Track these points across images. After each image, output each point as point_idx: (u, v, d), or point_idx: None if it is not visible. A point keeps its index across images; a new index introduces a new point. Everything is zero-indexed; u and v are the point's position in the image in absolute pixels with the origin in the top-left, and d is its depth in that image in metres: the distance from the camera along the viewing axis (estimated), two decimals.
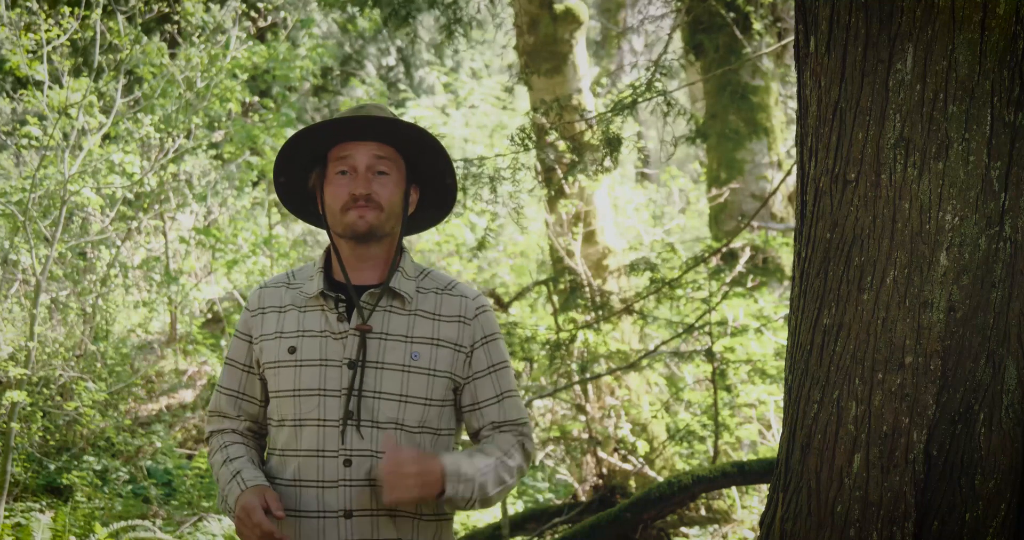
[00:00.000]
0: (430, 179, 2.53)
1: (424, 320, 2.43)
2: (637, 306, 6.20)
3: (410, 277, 2.47)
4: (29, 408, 6.27)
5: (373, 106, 2.48)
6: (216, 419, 2.55)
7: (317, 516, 2.35)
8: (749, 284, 7.01)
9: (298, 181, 2.53)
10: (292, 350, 2.40)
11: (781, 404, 3.56)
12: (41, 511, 6.22)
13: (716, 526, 5.97)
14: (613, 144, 5.33)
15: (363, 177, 2.40)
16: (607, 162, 5.48)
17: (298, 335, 2.42)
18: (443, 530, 2.46)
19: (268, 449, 2.51)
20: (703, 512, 6.09)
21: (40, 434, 6.49)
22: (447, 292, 2.49)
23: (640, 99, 5.21)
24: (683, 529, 5.98)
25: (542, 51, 7.27)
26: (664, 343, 6.45)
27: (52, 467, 6.85)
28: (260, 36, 10.16)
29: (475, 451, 2.42)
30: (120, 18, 6.91)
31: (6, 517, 5.93)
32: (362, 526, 2.34)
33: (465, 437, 2.71)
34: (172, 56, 8.07)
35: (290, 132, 8.80)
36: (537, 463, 7.68)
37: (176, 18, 7.90)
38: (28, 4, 6.58)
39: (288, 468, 2.39)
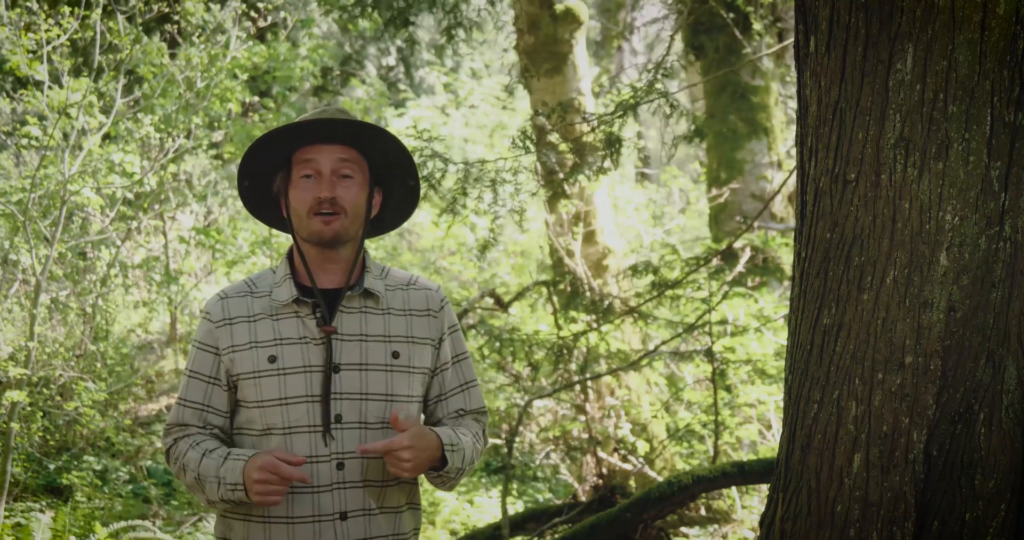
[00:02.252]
0: (394, 181, 2.54)
1: (397, 318, 2.47)
2: (636, 305, 6.19)
3: (377, 276, 2.50)
4: (29, 408, 6.27)
5: (336, 109, 2.49)
6: (177, 431, 2.47)
7: (313, 520, 2.36)
8: (749, 284, 7.01)
9: (262, 184, 2.52)
10: (272, 359, 2.38)
11: (781, 404, 3.56)
12: (41, 511, 6.21)
13: (716, 526, 5.97)
14: (614, 145, 5.33)
15: (328, 181, 2.40)
16: (607, 163, 5.48)
17: (276, 344, 2.40)
18: (418, 518, 2.52)
19: None
20: (703, 512, 6.09)
21: (40, 434, 6.49)
22: (412, 287, 2.53)
23: (643, 101, 5.22)
24: (683, 529, 5.98)
25: (542, 51, 7.27)
26: (664, 343, 6.45)
27: (52, 467, 6.84)
28: (260, 36, 10.16)
29: (453, 428, 2.48)
30: (120, 18, 6.91)
31: (6, 517, 5.93)
32: (357, 526, 2.37)
33: None
34: (172, 56, 8.06)
35: None
36: (537, 463, 7.68)
37: (176, 18, 7.90)
38: (28, 4, 6.58)
39: None
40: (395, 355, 2.43)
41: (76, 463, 6.98)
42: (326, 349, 2.38)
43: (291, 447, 2.36)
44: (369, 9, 8.00)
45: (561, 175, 6.58)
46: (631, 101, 5.23)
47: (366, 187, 2.46)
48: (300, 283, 2.45)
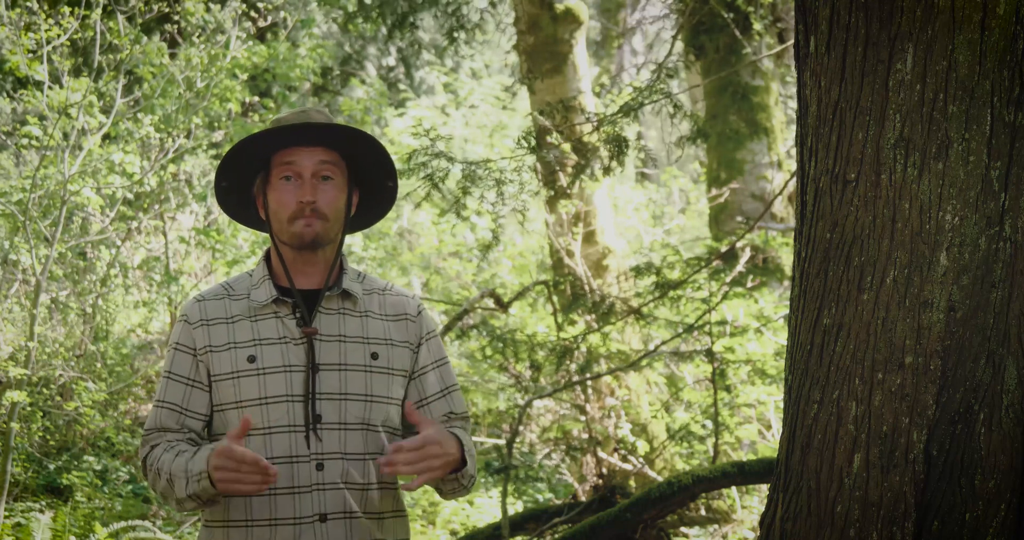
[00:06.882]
0: (372, 181, 2.54)
1: (375, 320, 2.48)
2: (637, 306, 6.19)
3: (354, 279, 2.51)
4: (29, 408, 6.27)
5: (315, 111, 2.49)
6: (155, 436, 2.41)
7: (293, 522, 2.34)
8: (749, 284, 7.01)
9: (239, 185, 2.51)
10: (251, 359, 2.38)
11: (781, 404, 3.56)
12: (41, 511, 6.21)
13: (716, 526, 5.97)
14: (619, 145, 5.32)
15: (309, 184, 2.40)
16: (612, 164, 5.47)
17: (255, 344, 2.39)
18: (405, 527, 2.49)
19: None
20: (703, 512, 6.09)
21: (40, 434, 6.50)
22: (388, 293, 2.54)
23: (646, 101, 5.21)
24: (683, 529, 5.98)
25: (542, 51, 7.27)
26: (664, 343, 6.45)
27: (52, 467, 6.85)
28: (260, 36, 10.17)
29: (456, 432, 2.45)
30: (120, 18, 6.91)
31: (6, 517, 5.93)
32: (337, 529, 2.35)
33: None
34: (172, 56, 8.07)
35: None
36: (537, 463, 7.68)
37: (176, 18, 7.90)
38: (28, 4, 6.58)
39: None
40: (374, 356, 2.43)
41: (76, 463, 6.98)
42: (306, 349, 2.38)
43: (271, 448, 2.34)
44: (374, 14, 8.01)
45: (563, 175, 6.58)
46: (635, 102, 5.22)
47: (345, 189, 2.46)
48: (278, 284, 2.46)
